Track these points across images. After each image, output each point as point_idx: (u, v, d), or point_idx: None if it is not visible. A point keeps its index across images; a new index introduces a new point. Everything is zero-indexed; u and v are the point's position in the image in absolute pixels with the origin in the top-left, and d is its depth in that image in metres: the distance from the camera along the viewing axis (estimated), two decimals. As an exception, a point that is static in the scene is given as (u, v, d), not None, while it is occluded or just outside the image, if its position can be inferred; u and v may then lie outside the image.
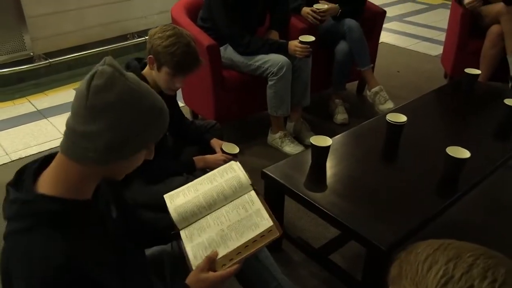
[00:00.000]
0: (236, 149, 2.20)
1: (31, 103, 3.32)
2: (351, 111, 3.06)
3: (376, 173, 1.80)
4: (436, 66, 3.80)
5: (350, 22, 2.83)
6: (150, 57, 1.86)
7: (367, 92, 2.96)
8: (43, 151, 2.71)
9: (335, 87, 3.03)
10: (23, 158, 2.61)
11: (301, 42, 2.49)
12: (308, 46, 2.48)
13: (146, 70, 1.93)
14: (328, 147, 1.74)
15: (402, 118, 1.92)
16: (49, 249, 0.80)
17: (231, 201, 1.22)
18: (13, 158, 2.61)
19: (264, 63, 2.52)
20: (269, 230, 1.15)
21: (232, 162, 1.33)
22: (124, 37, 4.05)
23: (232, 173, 1.27)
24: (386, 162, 1.93)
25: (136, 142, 0.88)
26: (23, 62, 3.54)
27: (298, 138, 2.78)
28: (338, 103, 3.03)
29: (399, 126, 1.91)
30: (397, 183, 1.72)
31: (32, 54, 3.58)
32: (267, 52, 2.53)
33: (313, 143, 1.74)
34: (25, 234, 0.81)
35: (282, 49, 2.54)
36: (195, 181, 1.28)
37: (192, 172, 2.16)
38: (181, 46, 1.78)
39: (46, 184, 0.86)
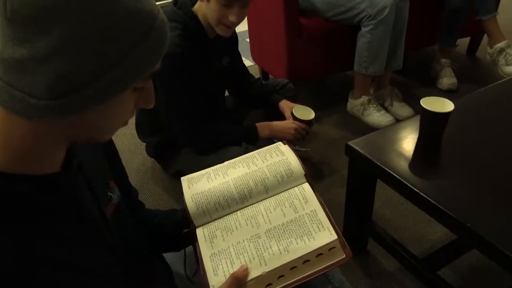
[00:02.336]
0: (311, 114, 1.69)
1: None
2: (460, 76, 2.40)
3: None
4: None
5: (471, -45, 2.14)
6: None
7: (488, 49, 2.26)
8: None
9: (443, 41, 2.37)
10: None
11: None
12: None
13: (197, 5, 1.50)
14: (447, 114, 1.18)
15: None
16: None
17: (274, 195, 0.79)
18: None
19: (359, 4, 1.94)
20: (330, 248, 0.71)
21: (280, 142, 0.90)
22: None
23: (279, 156, 0.85)
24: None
25: (107, 78, 0.48)
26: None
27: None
28: (445, 63, 2.38)
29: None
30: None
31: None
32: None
33: (425, 107, 1.18)
34: None
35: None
36: (225, 163, 0.86)
37: (255, 142, 1.70)
38: None
39: None
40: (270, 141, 1.78)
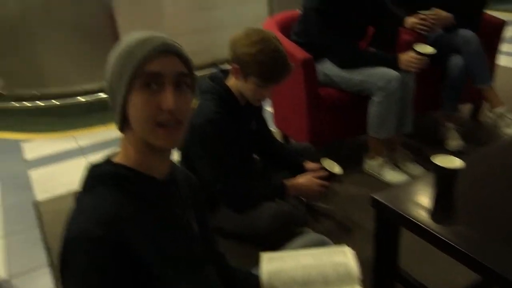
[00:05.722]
0: (336, 168, 1.87)
1: (123, 127, 3.31)
2: (465, 137, 2.61)
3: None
4: None
5: (465, 33, 2.43)
6: (234, 67, 1.66)
7: (489, 113, 2.50)
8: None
9: (446, 108, 2.61)
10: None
11: (417, 52, 2.16)
12: (426, 58, 2.14)
13: (230, 81, 1.73)
14: (457, 170, 1.37)
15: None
16: (98, 206, 0.76)
17: None
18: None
19: (369, 77, 2.21)
20: None
21: (346, 247, 1.11)
22: (213, 65, 3.97)
23: (342, 257, 1.05)
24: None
25: (114, 79, 0.80)
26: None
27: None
28: (450, 127, 2.60)
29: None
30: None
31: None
32: (372, 66, 2.22)
33: (437, 164, 1.38)
34: (83, 194, 0.79)
35: (391, 64, 2.22)
36: (300, 251, 1.09)
37: (284, 199, 1.88)
38: (269, 52, 1.57)
39: (117, 154, 0.85)
40: (297, 197, 1.96)
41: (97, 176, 0.80)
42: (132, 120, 0.79)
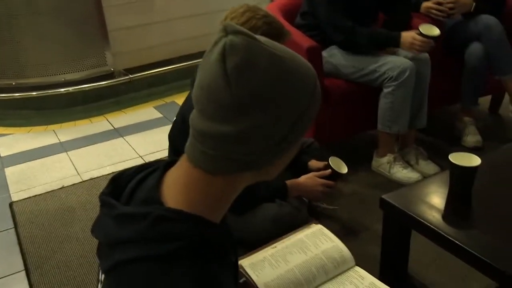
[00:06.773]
0: (344, 168, 1.88)
1: (109, 121, 3.31)
2: (484, 133, 2.62)
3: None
4: None
5: (487, 19, 2.43)
6: None
7: (510, 107, 2.50)
8: (117, 172, 2.62)
9: (464, 102, 2.62)
10: (94, 178, 2.51)
11: (421, 34, 2.17)
12: (431, 41, 2.14)
13: None
14: (475, 168, 1.37)
15: None
16: None
17: (333, 277, 1.07)
18: (84, 179, 2.52)
19: (380, 67, 2.21)
20: None
21: (321, 227, 1.16)
22: (210, 52, 3.97)
23: (328, 242, 1.12)
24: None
25: (297, 129, 0.68)
26: (103, 78, 3.57)
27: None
28: (468, 122, 2.61)
29: None
30: None
31: (112, 69, 3.62)
32: (373, 45, 2.27)
33: (454, 162, 1.38)
34: (158, 265, 0.63)
35: (392, 42, 2.25)
36: (281, 247, 1.11)
37: (285, 200, 1.89)
38: (261, 17, 1.58)
39: (176, 198, 0.68)
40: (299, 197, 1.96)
41: (176, 238, 0.64)
42: (264, 172, 0.71)
